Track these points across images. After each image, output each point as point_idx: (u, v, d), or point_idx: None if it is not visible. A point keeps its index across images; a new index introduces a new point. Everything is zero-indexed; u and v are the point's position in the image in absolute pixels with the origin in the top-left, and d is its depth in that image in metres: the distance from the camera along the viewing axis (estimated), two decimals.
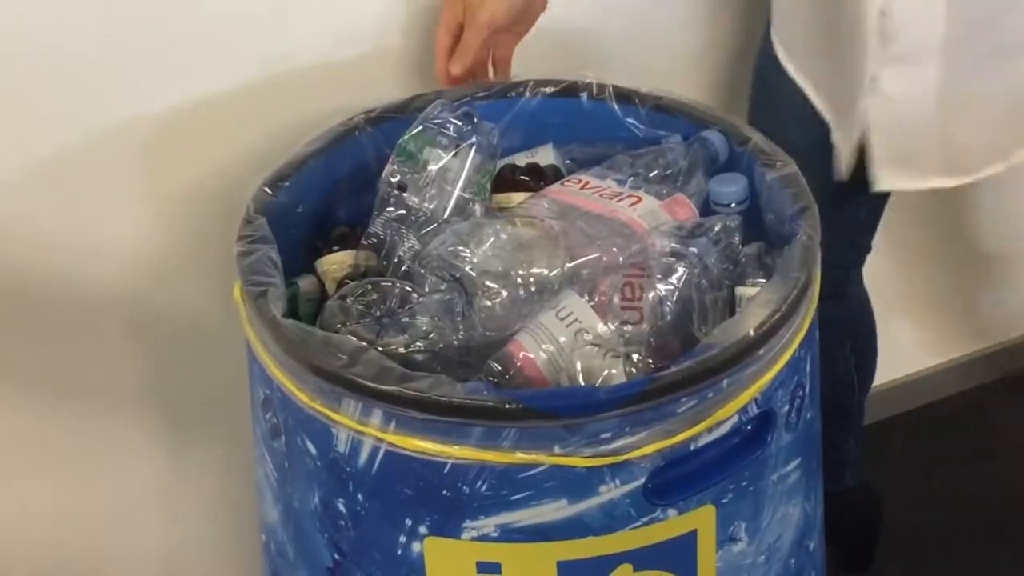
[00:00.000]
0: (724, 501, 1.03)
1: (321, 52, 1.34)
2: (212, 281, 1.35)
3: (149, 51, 1.26)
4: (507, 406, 0.94)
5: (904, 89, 1.25)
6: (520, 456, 0.95)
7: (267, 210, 1.13)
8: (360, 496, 1.01)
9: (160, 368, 1.45)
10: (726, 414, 0.99)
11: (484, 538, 0.99)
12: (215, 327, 1.36)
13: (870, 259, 1.56)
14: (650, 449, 0.96)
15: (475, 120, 1.20)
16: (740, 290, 1.10)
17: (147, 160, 1.32)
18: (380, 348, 1.01)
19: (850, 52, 1.27)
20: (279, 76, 1.33)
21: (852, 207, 1.42)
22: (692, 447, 0.98)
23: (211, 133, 1.33)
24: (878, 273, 1.61)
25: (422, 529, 1.00)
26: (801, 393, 1.07)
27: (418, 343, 1.06)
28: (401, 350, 1.05)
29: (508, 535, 0.98)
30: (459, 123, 1.19)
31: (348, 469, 1.00)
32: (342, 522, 1.04)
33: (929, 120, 1.27)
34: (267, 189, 1.15)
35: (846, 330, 1.60)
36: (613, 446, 0.95)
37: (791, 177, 1.15)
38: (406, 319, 1.07)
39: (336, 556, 1.06)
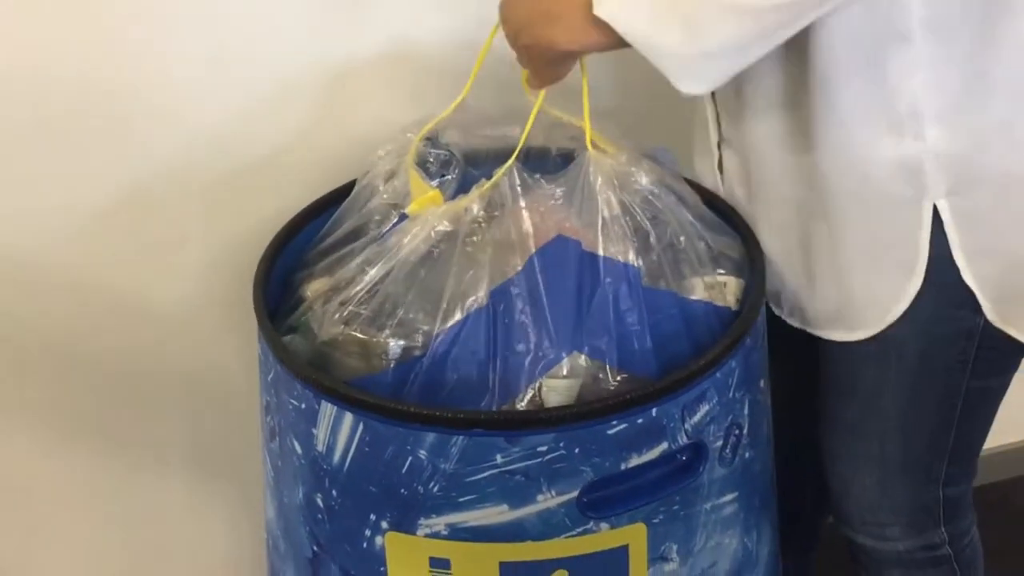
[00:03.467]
0: (655, 521, 1.14)
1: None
2: (240, 333, 1.43)
3: (179, 112, 1.39)
4: (457, 416, 1.08)
5: None
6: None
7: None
8: (334, 492, 1.15)
9: (190, 416, 1.57)
10: (655, 440, 1.11)
11: (436, 535, 1.11)
12: (242, 379, 1.47)
13: None
14: (582, 465, 1.09)
15: None
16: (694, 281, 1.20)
17: (188, 213, 1.44)
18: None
19: None
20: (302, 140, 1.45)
21: None
22: (623, 467, 1.10)
23: (243, 189, 1.45)
24: None
25: (384, 524, 1.13)
26: (737, 432, 1.18)
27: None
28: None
29: (457, 534, 1.11)
30: None
31: (325, 467, 1.14)
32: (319, 516, 1.17)
33: None
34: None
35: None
36: (548, 458, 1.08)
37: None
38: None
39: (315, 548, 1.20)
